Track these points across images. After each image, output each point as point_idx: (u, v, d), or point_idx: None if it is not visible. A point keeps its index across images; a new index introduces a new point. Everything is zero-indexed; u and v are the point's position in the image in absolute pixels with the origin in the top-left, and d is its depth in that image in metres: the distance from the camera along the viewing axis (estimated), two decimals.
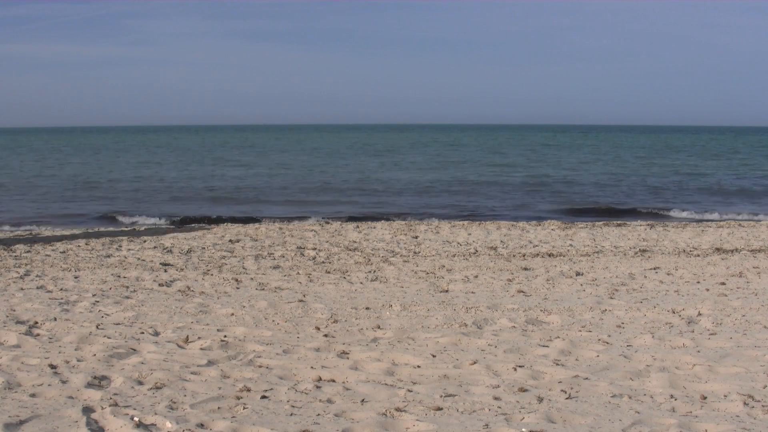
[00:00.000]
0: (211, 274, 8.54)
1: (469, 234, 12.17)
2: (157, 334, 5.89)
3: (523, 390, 4.54)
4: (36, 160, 41.73)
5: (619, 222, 14.63)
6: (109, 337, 5.71)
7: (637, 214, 17.77)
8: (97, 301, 7.02)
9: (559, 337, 5.78)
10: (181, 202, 20.78)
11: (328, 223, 14.47)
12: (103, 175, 29.64)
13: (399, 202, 20.43)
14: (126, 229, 13.40)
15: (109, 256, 9.76)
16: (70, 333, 5.84)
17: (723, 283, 8.01)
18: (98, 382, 4.66)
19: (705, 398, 4.42)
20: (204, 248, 10.48)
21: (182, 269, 8.88)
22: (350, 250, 10.45)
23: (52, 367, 4.93)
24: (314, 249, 10.46)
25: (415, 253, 10.24)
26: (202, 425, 3.98)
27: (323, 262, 9.41)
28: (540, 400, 4.38)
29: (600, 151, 52.14)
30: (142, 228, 13.39)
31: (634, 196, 22.16)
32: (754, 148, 54.67)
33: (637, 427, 3.99)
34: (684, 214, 18.00)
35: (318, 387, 4.60)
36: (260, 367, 5.03)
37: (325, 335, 5.86)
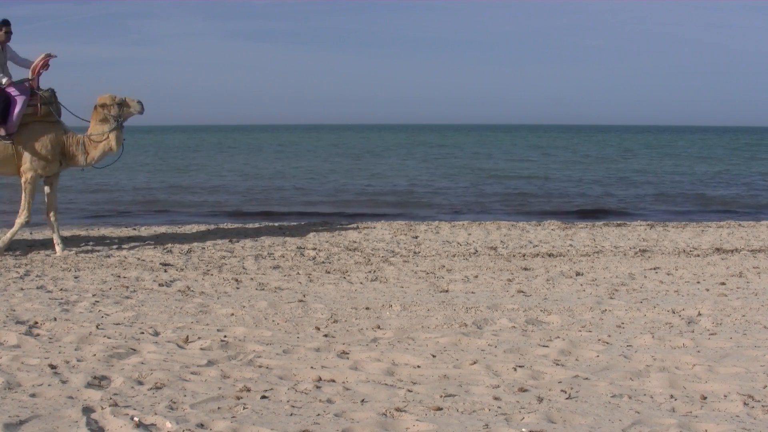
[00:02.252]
0: (211, 274, 8.54)
1: (469, 234, 12.17)
2: (157, 334, 5.89)
3: (523, 390, 4.54)
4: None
5: (618, 222, 14.63)
6: (109, 337, 5.71)
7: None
8: (97, 301, 7.02)
9: (559, 337, 5.78)
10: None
11: (327, 223, 14.47)
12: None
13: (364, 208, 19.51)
14: (126, 229, 13.40)
15: (109, 256, 9.77)
16: (70, 333, 5.84)
17: (723, 283, 8.01)
18: (98, 382, 4.67)
19: (705, 398, 4.42)
20: (204, 248, 10.48)
21: (182, 269, 8.88)
22: (350, 250, 10.45)
23: (52, 367, 4.93)
24: (314, 249, 10.46)
25: (415, 253, 10.24)
26: (202, 425, 3.98)
27: (323, 262, 9.41)
28: (540, 400, 4.38)
29: (576, 152, 51.17)
30: (141, 228, 13.39)
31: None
32: (732, 150, 53.72)
33: (637, 427, 4.00)
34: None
35: (318, 387, 4.60)
36: (260, 367, 5.04)
37: (325, 335, 5.86)
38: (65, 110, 10.28)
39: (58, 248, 10.00)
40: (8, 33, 10.03)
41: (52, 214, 10.23)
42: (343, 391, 4.54)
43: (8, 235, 10.15)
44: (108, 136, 10.20)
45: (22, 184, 10.07)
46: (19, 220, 10.04)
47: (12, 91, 9.86)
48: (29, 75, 10.06)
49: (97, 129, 10.25)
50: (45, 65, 10.07)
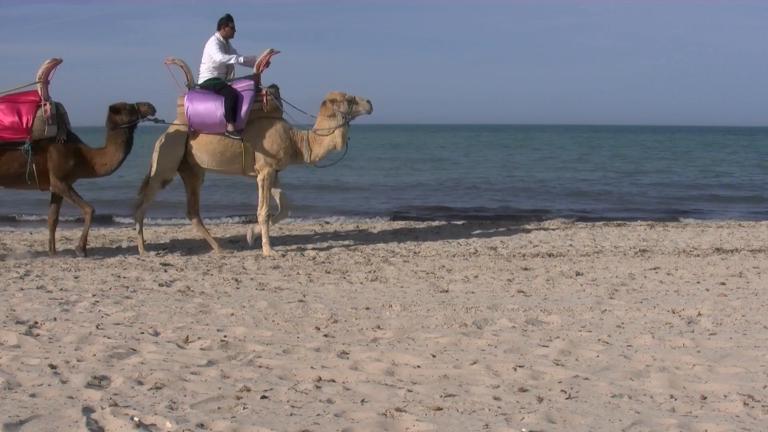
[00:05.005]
0: (211, 274, 8.54)
1: (469, 234, 12.17)
2: (157, 334, 5.89)
3: (523, 390, 4.54)
4: None
5: (618, 222, 14.64)
6: (109, 337, 5.71)
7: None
8: (97, 301, 7.02)
9: (559, 337, 5.78)
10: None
11: (327, 223, 14.47)
12: None
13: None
14: (126, 229, 13.40)
15: (109, 256, 9.77)
16: (70, 333, 5.84)
17: (723, 283, 8.01)
18: (98, 382, 4.67)
19: (705, 398, 4.42)
20: (204, 248, 10.48)
21: (182, 269, 8.88)
22: (350, 250, 10.45)
23: (52, 367, 4.93)
24: (314, 249, 10.46)
25: (415, 253, 10.24)
26: (202, 425, 3.98)
27: (323, 262, 9.41)
28: (540, 400, 4.38)
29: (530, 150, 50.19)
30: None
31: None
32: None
33: (637, 427, 4.00)
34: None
35: (318, 387, 4.60)
36: (260, 367, 5.04)
37: (325, 335, 5.86)
38: (287, 106, 10.21)
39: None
40: (233, 29, 10.03)
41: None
42: (343, 391, 4.54)
43: (257, 228, 10.14)
44: (334, 133, 10.08)
45: (258, 182, 9.99)
46: (261, 214, 10.00)
47: (240, 87, 9.85)
48: (253, 71, 10.03)
49: (324, 125, 10.11)
50: (267, 62, 10.04)
